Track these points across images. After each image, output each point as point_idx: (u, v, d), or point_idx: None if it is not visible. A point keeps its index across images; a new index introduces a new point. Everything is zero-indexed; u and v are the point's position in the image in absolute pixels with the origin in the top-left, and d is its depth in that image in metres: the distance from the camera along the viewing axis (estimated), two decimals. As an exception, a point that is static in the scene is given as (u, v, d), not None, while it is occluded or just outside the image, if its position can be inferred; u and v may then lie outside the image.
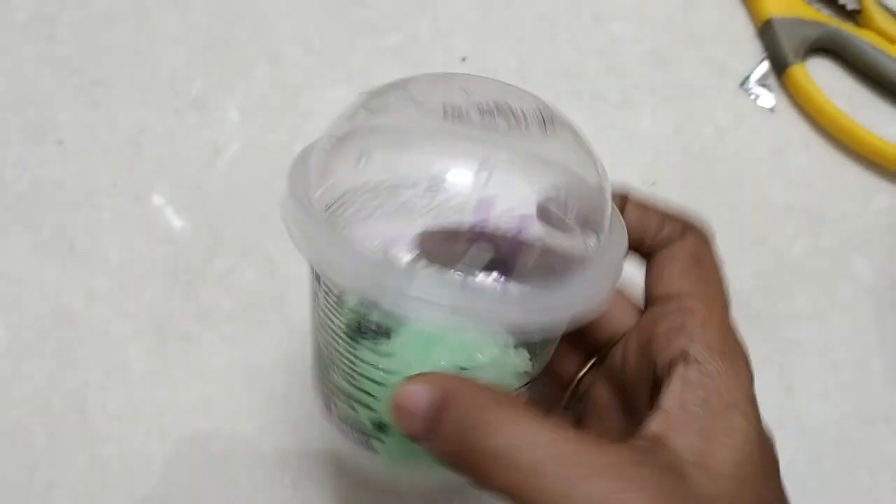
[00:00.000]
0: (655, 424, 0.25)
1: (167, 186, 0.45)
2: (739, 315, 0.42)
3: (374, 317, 0.25)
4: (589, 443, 0.23)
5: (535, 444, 0.23)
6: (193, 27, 0.49)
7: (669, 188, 0.45)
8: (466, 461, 0.23)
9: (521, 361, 0.27)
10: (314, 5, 0.49)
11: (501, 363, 0.26)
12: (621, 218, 0.29)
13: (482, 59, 0.48)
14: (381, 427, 0.28)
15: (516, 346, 0.26)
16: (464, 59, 0.48)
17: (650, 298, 0.29)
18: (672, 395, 0.25)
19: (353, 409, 0.28)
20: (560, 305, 0.24)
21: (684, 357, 0.26)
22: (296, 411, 0.40)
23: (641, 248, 0.30)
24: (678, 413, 0.25)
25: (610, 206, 0.28)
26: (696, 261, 0.29)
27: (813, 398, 0.42)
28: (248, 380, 0.41)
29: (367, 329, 0.26)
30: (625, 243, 0.28)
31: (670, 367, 0.26)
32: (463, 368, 0.26)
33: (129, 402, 0.40)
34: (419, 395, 0.24)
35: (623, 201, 0.30)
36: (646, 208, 0.31)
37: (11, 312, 0.42)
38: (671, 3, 0.51)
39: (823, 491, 0.40)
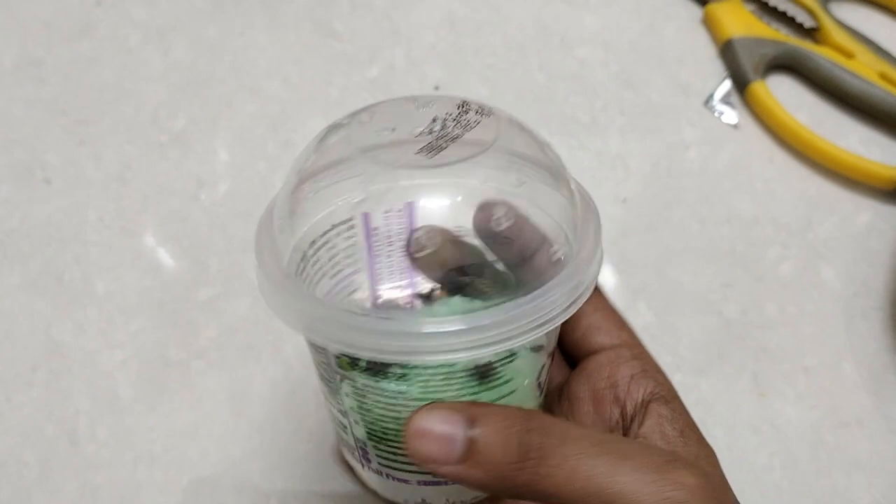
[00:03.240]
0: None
1: (153, 219, 0.46)
2: (711, 324, 0.44)
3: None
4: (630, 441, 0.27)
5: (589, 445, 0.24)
6: (175, 65, 0.50)
7: (639, 204, 0.47)
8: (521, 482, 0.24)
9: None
10: (291, 40, 0.51)
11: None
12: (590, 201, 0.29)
13: (454, 86, 0.50)
14: None
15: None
16: (437, 88, 0.50)
17: (592, 347, 0.32)
18: (652, 428, 0.29)
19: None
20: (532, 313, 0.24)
21: (655, 397, 0.30)
22: (282, 435, 0.41)
23: None
24: (661, 442, 0.28)
25: (571, 195, 0.28)
26: (616, 312, 0.33)
27: (786, 403, 0.43)
28: (234, 405, 0.42)
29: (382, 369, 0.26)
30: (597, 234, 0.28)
31: (645, 405, 0.30)
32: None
33: (118, 430, 0.41)
34: (447, 419, 0.24)
35: None
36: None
37: (2, 345, 0.43)
38: (636, 28, 0.52)
39: (799, 493, 0.41)
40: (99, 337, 0.43)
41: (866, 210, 0.47)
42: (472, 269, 0.29)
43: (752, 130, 0.49)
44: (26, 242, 0.45)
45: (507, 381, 0.27)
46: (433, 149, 0.26)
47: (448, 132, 0.27)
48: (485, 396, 0.27)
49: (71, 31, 0.51)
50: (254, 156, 0.48)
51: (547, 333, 0.25)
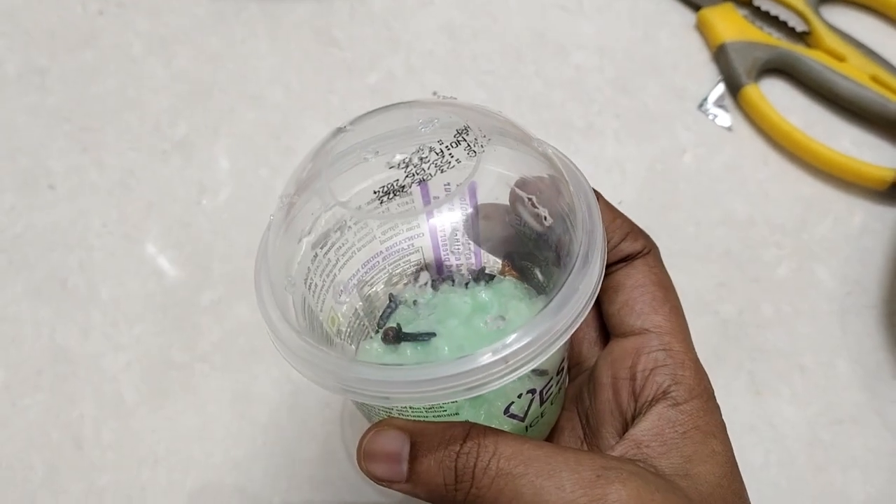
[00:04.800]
0: (628, 450, 0.27)
1: (156, 225, 0.47)
2: (708, 324, 0.45)
3: None
4: (576, 452, 0.26)
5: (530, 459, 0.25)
6: (177, 74, 0.51)
7: (635, 206, 0.47)
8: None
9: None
10: (292, 49, 0.52)
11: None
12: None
13: (453, 92, 0.51)
14: None
15: None
16: (435, 94, 0.50)
17: (622, 328, 0.30)
18: (647, 429, 0.28)
19: None
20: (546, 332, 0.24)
21: (665, 396, 0.28)
22: (285, 437, 0.42)
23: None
24: (655, 444, 0.27)
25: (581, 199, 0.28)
26: (663, 289, 0.30)
27: (782, 401, 0.43)
28: (237, 408, 0.42)
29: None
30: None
31: (650, 404, 0.28)
32: None
33: (123, 433, 0.42)
34: (393, 441, 0.26)
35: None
36: (613, 213, 0.31)
37: (8, 350, 0.43)
38: (630, 34, 0.53)
39: (796, 490, 0.41)
40: (103, 341, 0.44)
41: (859, 210, 0.48)
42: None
43: (746, 133, 0.50)
44: (31, 249, 0.46)
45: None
46: (393, 192, 0.26)
47: (422, 170, 0.26)
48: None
49: (75, 40, 0.52)
50: (256, 162, 0.48)
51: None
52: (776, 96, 0.50)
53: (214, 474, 0.41)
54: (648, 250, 0.31)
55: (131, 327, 0.44)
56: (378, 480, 0.26)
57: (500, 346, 0.23)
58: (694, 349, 0.30)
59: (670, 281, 0.31)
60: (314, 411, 0.42)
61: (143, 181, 0.48)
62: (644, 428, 0.28)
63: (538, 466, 0.25)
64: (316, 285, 0.28)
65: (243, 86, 0.51)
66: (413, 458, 0.25)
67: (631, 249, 0.31)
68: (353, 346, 0.29)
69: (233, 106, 0.50)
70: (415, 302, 0.29)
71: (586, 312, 0.25)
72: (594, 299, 0.25)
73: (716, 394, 0.40)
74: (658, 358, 0.29)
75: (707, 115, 0.50)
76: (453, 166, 0.26)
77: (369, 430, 0.26)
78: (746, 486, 0.29)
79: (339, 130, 0.28)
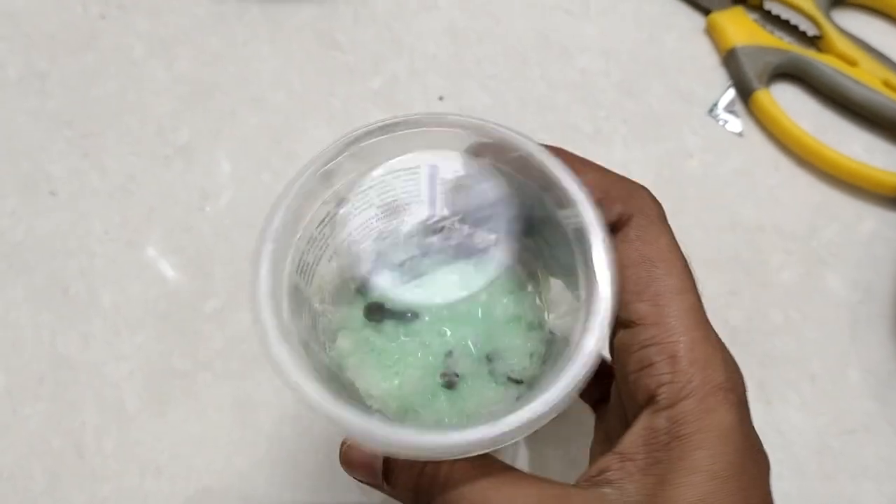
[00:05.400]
0: (610, 467, 0.25)
1: (158, 231, 0.46)
2: (717, 331, 0.44)
3: None
4: (520, 479, 0.25)
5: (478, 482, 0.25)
6: (179, 77, 0.51)
7: (643, 212, 0.47)
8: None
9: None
10: (294, 52, 0.51)
11: None
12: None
13: (458, 96, 0.50)
14: None
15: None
16: (441, 98, 0.50)
17: (628, 315, 0.26)
18: (633, 441, 0.25)
19: None
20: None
21: (651, 401, 0.25)
22: (288, 445, 0.41)
23: None
24: (638, 458, 0.25)
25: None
26: (649, 265, 0.26)
27: (792, 409, 0.43)
28: (240, 416, 0.42)
29: None
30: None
31: (640, 410, 0.25)
32: None
33: (125, 442, 0.41)
34: (365, 456, 0.27)
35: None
36: (583, 176, 0.26)
37: (9, 358, 0.43)
38: (636, 37, 0.53)
39: (807, 500, 0.41)
40: (105, 349, 0.43)
41: (870, 217, 0.47)
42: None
43: (757, 138, 0.49)
44: (31, 255, 0.45)
45: None
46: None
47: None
48: None
49: (75, 43, 0.51)
50: (258, 167, 0.48)
51: None
52: (787, 101, 0.49)
53: (217, 482, 0.40)
54: (628, 216, 0.27)
55: (133, 335, 0.43)
56: (363, 482, 0.28)
57: (494, 426, 0.23)
58: (700, 328, 0.26)
59: (662, 246, 0.27)
60: (318, 419, 0.41)
61: (144, 186, 0.47)
62: (628, 440, 0.25)
63: (489, 493, 0.24)
64: (307, 263, 0.28)
65: (245, 89, 0.50)
66: (386, 471, 0.27)
67: (611, 218, 0.27)
68: (336, 312, 0.28)
69: (234, 109, 0.50)
70: (401, 264, 0.28)
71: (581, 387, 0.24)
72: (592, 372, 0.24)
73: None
74: (644, 357, 0.25)
75: (717, 121, 0.50)
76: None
77: (344, 441, 0.28)
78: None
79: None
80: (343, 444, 0.28)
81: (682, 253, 0.27)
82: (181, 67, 0.51)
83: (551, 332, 0.28)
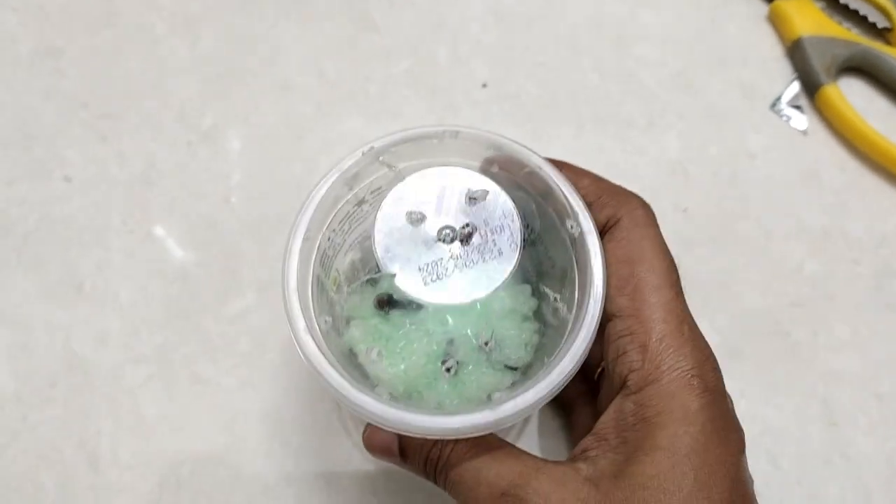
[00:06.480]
0: (586, 445, 0.28)
1: (180, 223, 0.43)
2: (779, 346, 0.41)
3: None
4: (507, 455, 0.28)
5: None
6: (203, 58, 0.47)
7: (701, 214, 0.44)
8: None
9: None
10: (326, 33, 0.48)
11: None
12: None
13: (502, 84, 0.47)
14: None
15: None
16: (484, 86, 0.47)
17: (610, 308, 0.29)
18: (606, 423, 0.28)
19: None
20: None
21: (623, 386, 0.28)
22: (320, 459, 0.38)
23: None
24: (610, 437, 0.28)
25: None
26: (628, 264, 0.29)
27: (859, 432, 0.40)
28: (268, 426, 0.39)
29: None
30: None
31: (614, 395, 0.28)
32: None
33: (142, 451, 0.38)
34: (386, 438, 0.31)
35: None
36: (580, 176, 0.31)
37: (18, 359, 0.40)
38: (695, 25, 0.49)
39: (875, 531, 0.38)
40: (122, 350, 0.40)
41: (945, 225, 0.44)
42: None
43: (822, 136, 0.46)
44: (44, 246, 0.42)
45: None
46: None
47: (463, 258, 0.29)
48: None
49: (93, 18, 0.48)
50: (289, 157, 0.45)
51: None
52: (854, 97, 0.46)
53: (242, 500, 0.37)
54: (617, 219, 0.30)
55: (152, 335, 0.40)
56: (382, 459, 0.32)
57: (493, 412, 0.26)
58: (673, 320, 0.28)
59: (646, 247, 0.29)
60: (352, 431, 0.39)
61: (166, 175, 0.44)
62: (603, 420, 0.28)
63: (481, 459, 0.28)
64: (328, 257, 0.31)
65: (274, 72, 0.47)
66: (401, 451, 0.31)
67: (600, 220, 0.30)
68: (348, 301, 0.30)
69: (263, 93, 0.46)
70: (420, 269, 0.30)
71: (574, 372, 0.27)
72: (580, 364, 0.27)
73: (787, 422, 0.37)
74: (619, 346, 0.28)
75: (780, 116, 0.46)
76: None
77: (367, 426, 0.31)
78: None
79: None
80: (364, 430, 0.31)
81: (667, 253, 0.29)
82: (205, 47, 0.48)
83: (544, 325, 0.30)
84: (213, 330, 0.41)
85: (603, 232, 0.30)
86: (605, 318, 0.29)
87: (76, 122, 0.45)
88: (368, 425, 0.31)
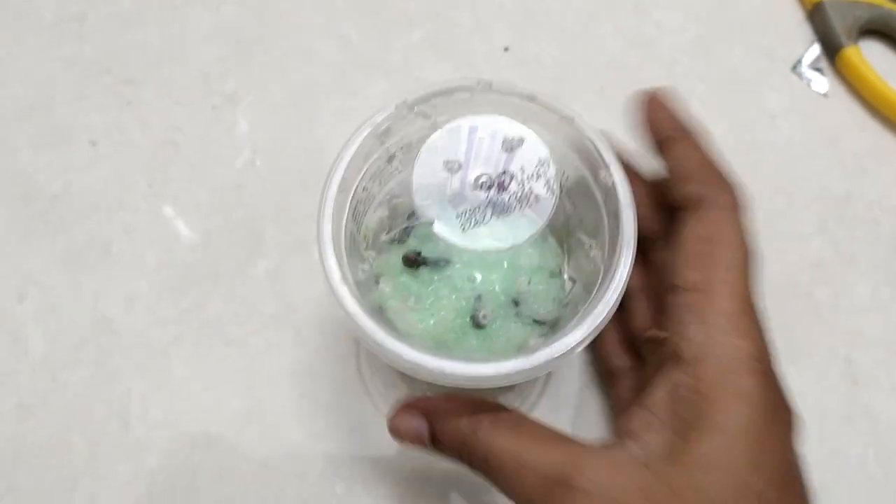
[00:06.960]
0: (634, 422, 0.28)
1: (206, 186, 0.43)
2: (801, 307, 0.41)
3: None
4: (548, 439, 0.28)
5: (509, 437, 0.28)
6: (225, 23, 0.47)
7: (723, 178, 0.44)
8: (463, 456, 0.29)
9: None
10: (348, -2, 0.48)
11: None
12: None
13: (524, 48, 0.47)
14: None
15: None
16: (506, 49, 0.47)
17: (666, 281, 0.30)
18: (657, 396, 0.28)
19: None
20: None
21: (675, 359, 0.28)
22: (346, 417, 0.38)
23: (671, 194, 0.32)
24: (662, 413, 0.27)
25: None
26: (707, 242, 0.29)
27: (881, 391, 0.40)
28: (296, 385, 0.39)
29: None
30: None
31: (667, 365, 0.28)
32: None
33: (172, 411, 0.39)
34: (415, 423, 0.30)
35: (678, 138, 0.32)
36: (693, 154, 0.32)
37: (48, 321, 0.40)
38: (716, -12, 0.49)
39: (894, 486, 0.38)
40: (149, 312, 0.40)
41: (966, 187, 0.44)
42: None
43: (843, 99, 0.46)
44: (70, 211, 0.42)
45: None
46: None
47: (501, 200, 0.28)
48: None
49: (114, -16, 0.48)
50: (311, 121, 0.45)
51: None
52: (875, 59, 0.46)
53: (272, 458, 0.38)
54: (701, 198, 0.30)
55: (180, 298, 0.41)
56: (409, 447, 0.31)
57: (528, 359, 0.26)
58: (739, 302, 0.28)
59: (727, 230, 0.30)
60: (381, 387, 0.39)
61: (190, 139, 0.44)
62: (653, 393, 0.28)
63: (521, 443, 0.28)
64: (360, 212, 0.31)
65: (297, 37, 0.47)
66: (433, 438, 0.30)
67: (688, 196, 0.31)
68: (378, 258, 0.31)
69: (286, 59, 0.46)
70: (457, 216, 0.30)
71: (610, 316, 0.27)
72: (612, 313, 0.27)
73: (809, 382, 0.38)
74: (681, 318, 0.28)
75: (801, 79, 0.46)
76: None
77: (392, 410, 0.31)
78: (840, 480, 0.29)
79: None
80: (390, 413, 0.31)
81: (747, 242, 0.30)
82: (227, 12, 0.48)
83: (571, 280, 0.31)
84: (239, 291, 0.41)
85: (683, 206, 0.31)
86: (667, 288, 0.29)
87: (100, 88, 0.45)
88: (393, 410, 0.31)
